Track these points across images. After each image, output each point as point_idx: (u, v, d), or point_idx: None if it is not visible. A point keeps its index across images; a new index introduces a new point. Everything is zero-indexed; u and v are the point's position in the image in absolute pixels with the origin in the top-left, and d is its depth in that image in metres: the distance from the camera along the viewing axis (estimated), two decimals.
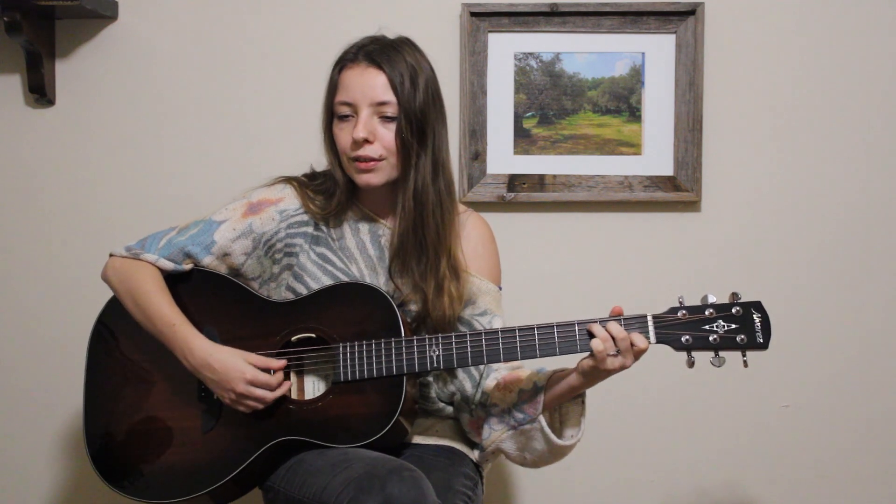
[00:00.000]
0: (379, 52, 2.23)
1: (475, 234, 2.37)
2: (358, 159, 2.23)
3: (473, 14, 2.78)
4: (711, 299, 2.12)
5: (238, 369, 2.18)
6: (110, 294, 2.33)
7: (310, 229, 2.33)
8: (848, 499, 2.86)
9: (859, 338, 2.84)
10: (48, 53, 2.80)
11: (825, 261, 2.83)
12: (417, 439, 2.33)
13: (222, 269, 2.32)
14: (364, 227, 2.34)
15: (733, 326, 2.10)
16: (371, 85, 2.21)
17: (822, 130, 2.82)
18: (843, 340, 2.84)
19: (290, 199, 2.33)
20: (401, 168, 2.24)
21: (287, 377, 2.25)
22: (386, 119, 2.22)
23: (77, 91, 2.84)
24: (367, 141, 2.21)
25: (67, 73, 2.84)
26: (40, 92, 2.79)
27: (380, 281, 2.30)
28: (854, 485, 2.86)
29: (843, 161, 2.82)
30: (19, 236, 2.87)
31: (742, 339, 2.09)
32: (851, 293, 2.84)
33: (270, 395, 2.19)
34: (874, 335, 2.84)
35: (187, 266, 2.30)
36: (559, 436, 2.22)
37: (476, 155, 2.81)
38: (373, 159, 2.22)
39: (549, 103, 2.82)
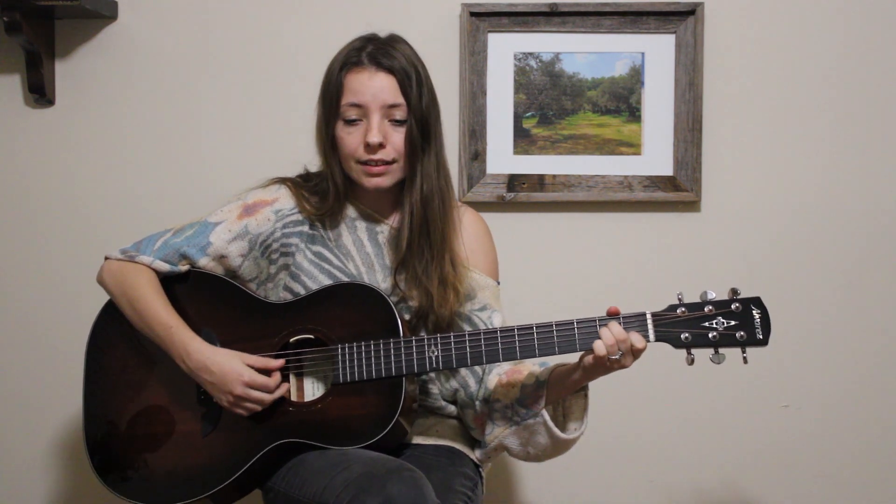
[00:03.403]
0: (383, 54, 2.24)
1: (472, 230, 2.38)
2: (369, 163, 2.23)
3: (473, 14, 2.78)
4: (710, 296, 2.11)
5: (236, 372, 2.18)
6: (108, 296, 2.33)
7: (305, 228, 2.33)
8: (848, 499, 2.86)
9: (859, 338, 2.84)
10: (48, 53, 2.80)
11: (825, 260, 2.83)
12: (417, 439, 2.33)
13: (219, 271, 2.31)
14: (362, 225, 2.34)
15: (733, 323, 2.09)
16: (381, 88, 2.22)
17: (821, 130, 2.82)
18: (844, 340, 2.84)
19: (284, 200, 2.33)
20: (408, 169, 2.26)
21: (286, 379, 2.25)
22: (395, 122, 2.23)
23: (77, 91, 2.84)
24: (380, 145, 2.22)
25: (67, 73, 2.83)
26: (40, 92, 2.79)
27: (377, 278, 2.31)
28: (854, 485, 2.86)
29: (842, 161, 2.82)
30: (18, 236, 2.87)
31: (742, 336, 2.09)
32: (851, 293, 2.84)
33: (268, 398, 2.19)
34: (874, 335, 2.84)
35: (183, 267, 2.29)
36: (563, 429, 2.23)
37: (476, 155, 2.81)
38: (386, 163, 2.23)
39: (548, 103, 2.82)
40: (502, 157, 2.82)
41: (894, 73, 2.81)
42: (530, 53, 2.81)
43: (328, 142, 2.28)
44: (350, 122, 2.24)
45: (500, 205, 2.82)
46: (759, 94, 2.81)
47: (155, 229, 2.36)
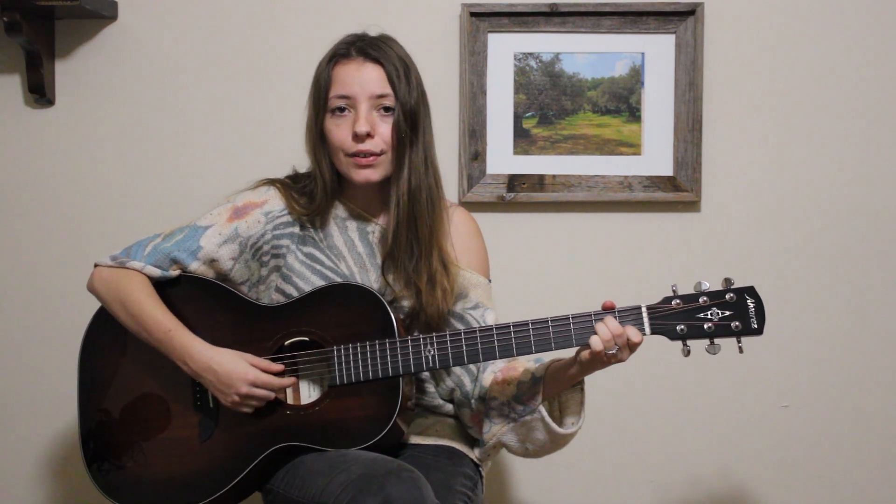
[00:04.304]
0: (372, 47, 2.25)
1: (463, 229, 2.38)
2: (358, 154, 2.23)
3: (473, 14, 2.78)
4: (705, 286, 2.11)
5: (241, 371, 2.18)
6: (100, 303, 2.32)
7: (296, 230, 2.32)
8: (848, 499, 2.86)
9: (860, 338, 2.84)
10: (48, 53, 2.80)
11: (825, 260, 2.83)
12: (417, 439, 2.33)
13: (210, 275, 2.31)
14: (352, 225, 2.34)
15: (727, 313, 2.09)
16: (369, 78, 2.23)
17: (821, 130, 2.82)
18: (844, 340, 2.84)
19: (274, 201, 2.33)
20: (396, 162, 2.25)
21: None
22: (384, 113, 2.23)
23: (77, 91, 2.84)
24: (368, 135, 2.22)
25: (67, 73, 2.84)
26: (40, 92, 2.79)
27: (370, 278, 2.30)
28: (854, 485, 2.85)
29: (842, 161, 2.82)
30: (19, 237, 2.87)
31: (737, 326, 2.09)
32: (852, 293, 2.83)
33: (273, 396, 2.19)
34: (875, 335, 2.84)
35: (174, 272, 2.29)
36: (560, 424, 2.23)
37: (476, 155, 2.81)
38: (374, 154, 2.23)
39: (548, 103, 2.82)
40: (502, 158, 2.82)
41: (894, 72, 2.81)
42: (530, 53, 2.81)
43: (318, 136, 2.28)
44: (338, 115, 2.25)
45: (499, 205, 2.82)
46: (759, 94, 2.81)
47: (157, 230, 2.36)
